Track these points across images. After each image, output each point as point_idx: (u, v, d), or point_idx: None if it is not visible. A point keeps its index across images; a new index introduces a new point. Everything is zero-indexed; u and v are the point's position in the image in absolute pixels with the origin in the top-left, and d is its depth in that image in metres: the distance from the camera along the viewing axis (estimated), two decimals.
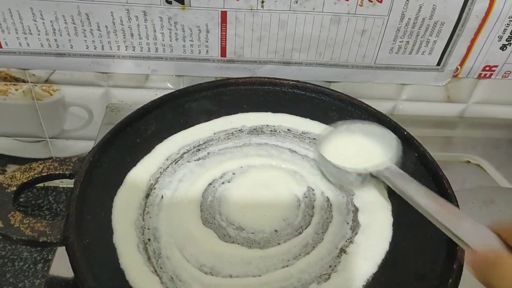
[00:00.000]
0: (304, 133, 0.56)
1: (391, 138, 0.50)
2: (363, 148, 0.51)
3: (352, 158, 0.49)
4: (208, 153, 0.53)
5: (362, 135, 0.52)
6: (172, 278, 0.41)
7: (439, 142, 0.68)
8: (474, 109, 0.70)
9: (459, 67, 0.64)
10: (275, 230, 0.45)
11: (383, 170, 0.47)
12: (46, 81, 0.65)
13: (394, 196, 0.47)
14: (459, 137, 0.69)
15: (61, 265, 0.46)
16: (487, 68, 0.64)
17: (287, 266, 0.42)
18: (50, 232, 0.42)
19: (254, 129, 0.56)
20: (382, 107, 0.57)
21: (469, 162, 0.65)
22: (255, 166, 0.51)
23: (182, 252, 0.43)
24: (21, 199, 0.77)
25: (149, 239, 0.44)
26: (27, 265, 0.68)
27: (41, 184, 0.78)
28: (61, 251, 0.46)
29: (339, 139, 0.52)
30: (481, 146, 0.67)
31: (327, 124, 0.57)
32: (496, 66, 0.64)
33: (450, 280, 0.40)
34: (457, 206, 0.46)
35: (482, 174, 0.64)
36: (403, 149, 0.53)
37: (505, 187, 0.60)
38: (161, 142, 0.53)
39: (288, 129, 0.56)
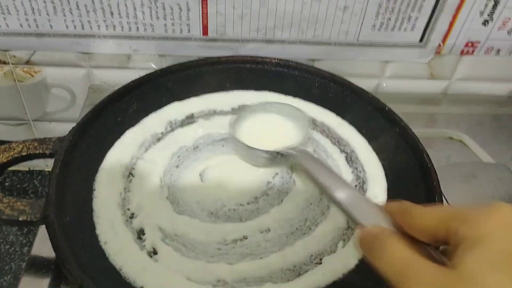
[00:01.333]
0: None
1: (304, 120, 0.51)
2: (275, 129, 0.52)
3: (263, 138, 0.50)
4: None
5: (277, 116, 0.53)
6: (153, 250, 0.41)
7: (422, 119, 0.69)
8: (457, 86, 0.70)
9: (441, 44, 0.64)
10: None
11: (292, 150, 0.47)
12: (27, 62, 0.64)
13: None
14: (442, 113, 0.69)
15: (43, 245, 0.46)
16: (469, 45, 0.64)
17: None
18: (30, 211, 0.42)
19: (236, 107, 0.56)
20: (366, 85, 0.57)
21: (452, 138, 0.65)
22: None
23: (162, 226, 0.43)
24: (6, 183, 0.77)
25: (130, 216, 0.44)
26: (13, 248, 0.68)
27: (26, 168, 0.78)
28: (42, 232, 0.46)
29: (252, 119, 0.53)
30: (464, 122, 0.67)
31: (309, 101, 0.57)
32: (478, 42, 0.64)
33: None
34: (437, 180, 0.46)
35: (464, 150, 0.64)
36: (384, 124, 0.53)
37: (487, 162, 0.61)
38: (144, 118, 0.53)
39: None
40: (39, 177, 0.78)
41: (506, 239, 0.25)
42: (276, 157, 0.48)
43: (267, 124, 0.53)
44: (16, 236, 0.69)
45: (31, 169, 0.79)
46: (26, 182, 0.77)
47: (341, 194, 0.35)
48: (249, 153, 0.49)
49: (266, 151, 0.48)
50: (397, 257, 0.27)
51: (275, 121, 0.53)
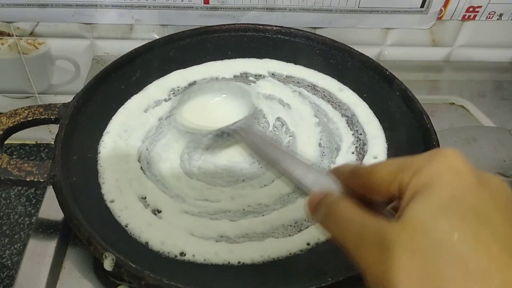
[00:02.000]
0: (288, 77, 0.57)
1: (250, 97, 0.51)
2: (221, 108, 0.51)
3: (208, 119, 0.49)
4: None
5: (221, 94, 0.52)
6: (157, 209, 0.42)
7: (425, 86, 0.69)
8: (459, 52, 0.70)
9: (443, 9, 0.64)
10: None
11: (234, 127, 0.46)
12: (31, 34, 0.65)
13: None
14: (445, 80, 0.69)
15: (49, 209, 0.47)
16: (471, 9, 0.64)
17: None
18: (37, 172, 0.43)
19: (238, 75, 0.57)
20: (367, 52, 0.57)
21: (453, 104, 0.65)
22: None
23: (166, 186, 0.44)
24: (14, 156, 0.78)
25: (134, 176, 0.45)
26: (21, 218, 0.70)
27: (33, 141, 0.80)
28: (49, 197, 0.48)
29: (196, 99, 0.52)
30: (467, 89, 0.67)
31: (310, 68, 0.58)
32: (480, 7, 0.64)
33: None
34: (437, 141, 0.47)
35: (466, 116, 0.64)
36: (385, 88, 0.54)
37: (487, 126, 0.61)
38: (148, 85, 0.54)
39: (272, 74, 0.57)
40: (46, 150, 0.79)
41: (451, 182, 0.23)
42: (223, 136, 0.47)
43: (212, 105, 0.51)
44: (25, 206, 0.71)
45: (38, 142, 0.80)
46: (33, 155, 0.78)
47: (287, 165, 0.34)
48: (193, 137, 0.48)
49: (209, 131, 0.47)
50: (352, 220, 0.26)
51: (221, 101, 0.52)
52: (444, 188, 0.23)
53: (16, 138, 0.77)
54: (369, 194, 0.27)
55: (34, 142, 0.80)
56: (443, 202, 0.23)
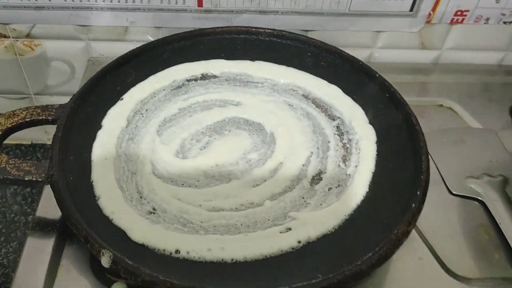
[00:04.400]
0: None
1: None
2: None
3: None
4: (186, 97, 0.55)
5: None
6: (155, 209, 0.44)
7: (414, 88, 0.70)
8: (448, 55, 0.72)
9: (431, 13, 0.65)
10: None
11: None
12: (28, 35, 0.66)
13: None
14: (433, 83, 0.71)
15: (47, 208, 0.48)
16: (459, 13, 0.66)
17: None
18: (35, 171, 0.44)
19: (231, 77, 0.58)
20: (358, 55, 0.58)
21: (442, 106, 0.67)
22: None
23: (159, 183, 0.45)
24: (11, 156, 0.79)
25: (127, 177, 0.46)
26: (17, 217, 0.70)
27: (28, 142, 0.80)
28: (46, 196, 0.49)
29: None
30: (455, 90, 0.69)
31: (302, 70, 0.59)
32: (468, 11, 0.65)
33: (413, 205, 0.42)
34: (424, 141, 0.48)
35: (455, 118, 0.66)
36: (375, 89, 0.55)
37: (474, 127, 0.63)
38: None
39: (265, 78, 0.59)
40: (42, 150, 0.80)
41: None
42: None
43: None
44: (21, 205, 0.72)
45: (33, 142, 0.81)
46: (29, 155, 0.79)
47: None
48: None
49: None
50: None
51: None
52: None
53: (12, 139, 0.78)
54: None
55: (30, 143, 0.81)
56: None
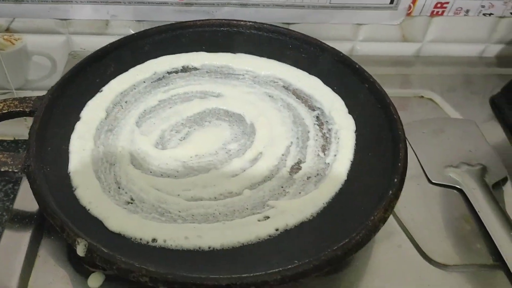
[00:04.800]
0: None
1: None
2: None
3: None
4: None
5: None
6: (132, 199, 0.43)
7: (396, 80, 0.70)
8: (429, 48, 0.72)
9: (411, 5, 0.66)
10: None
11: None
12: (7, 29, 0.65)
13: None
14: (415, 75, 0.71)
15: (24, 200, 0.48)
16: (439, 5, 0.66)
17: None
18: (12, 163, 0.43)
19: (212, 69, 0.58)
20: (340, 48, 0.58)
21: (422, 97, 0.67)
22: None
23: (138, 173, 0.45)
24: None
25: (105, 168, 0.46)
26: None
27: (11, 138, 0.80)
28: (25, 188, 0.48)
29: None
30: (436, 82, 0.69)
31: (283, 62, 0.59)
32: (447, 3, 0.66)
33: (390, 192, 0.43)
34: (403, 130, 0.48)
35: (436, 108, 0.66)
36: (355, 80, 0.55)
37: (454, 118, 0.63)
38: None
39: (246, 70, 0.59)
40: (24, 146, 0.79)
41: None
42: None
43: None
44: (3, 201, 0.71)
45: (15, 138, 0.80)
46: (11, 150, 0.78)
47: None
48: None
49: None
50: None
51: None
52: None
53: None
54: None
55: (12, 139, 0.80)
56: None
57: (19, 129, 0.76)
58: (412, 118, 0.61)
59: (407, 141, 0.48)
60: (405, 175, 0.44)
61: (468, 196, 0.52)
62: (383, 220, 0.41)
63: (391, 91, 0.53)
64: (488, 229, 0.49)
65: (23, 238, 0.44)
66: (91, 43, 0.67)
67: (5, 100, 0.49)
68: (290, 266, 0.37)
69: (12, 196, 0.72)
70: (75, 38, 0.67)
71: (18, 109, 0.49)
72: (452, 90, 0.69)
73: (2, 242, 0.44)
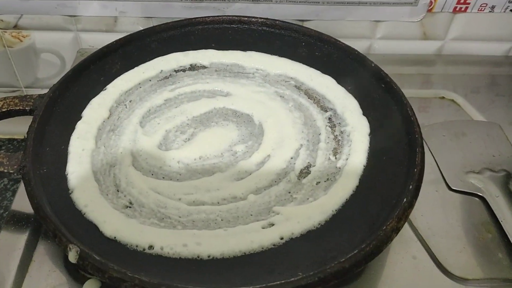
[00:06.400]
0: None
1: None
2: None
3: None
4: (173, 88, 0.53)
5: None
6: (131, 203, 0.41)
7: (417, 80, 0.67)
8: (451, 46, 0.69)
9: (433, 1, 0.63)
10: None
11: None
12: (15, 26, 0.64)
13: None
14: (437, 74, 0.68)
15: (23, 201, 0.46)
16: (462, 1, 0.63)
17: None
18: (8, 163, 0.42)
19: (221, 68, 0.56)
20: (357, 46, 0.55)
21: (443, 98, 0.64)
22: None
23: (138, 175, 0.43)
24: (3, 150, 0.78)
25: (105, 170, 0.44)
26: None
27: (8, 136, 0.79)
28: (24, 189, 0.47)
29: None
30: (459, 83, 0.66)
31: (295, 60, 0.57)
32: None
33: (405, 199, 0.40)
34: (420, 133, 0.45)
35: (459, 110, 0.63)
36: (370, 80, 0.52)
37: (477, 120, 0.60)
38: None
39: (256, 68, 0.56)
40: (22, 143, 0.78)
41: None
42: None
43: None
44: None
45: (14, 137, 0.79)
46: (11, 150, 0.77)
47: None
48: None
49: None
50: None
51: None
52: None
53: (3, 133, 0.77)
54: None
55: (15, 137, 0.79)
56: None
57: (24, 127, 0.75)
58: (432, 120, 0.59)
59: (425, 145, 0.45)
60: (421, 182, 0.42)
61: (490, 204, 0.49)
62: (396, 230, 0.38)
63: (411, 92, 0.50)
64: (511, 240, 0.45)
65: (19, 241, 0.43)
66: (100, 41, 0.65)
67: (5, 98, 0.48)
68: (293, 279, 0.34)
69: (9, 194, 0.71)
70: (84, 35, 0.65)
71: (18, 108, 0.47)
72: (475, 91, 0.65)
73: None
